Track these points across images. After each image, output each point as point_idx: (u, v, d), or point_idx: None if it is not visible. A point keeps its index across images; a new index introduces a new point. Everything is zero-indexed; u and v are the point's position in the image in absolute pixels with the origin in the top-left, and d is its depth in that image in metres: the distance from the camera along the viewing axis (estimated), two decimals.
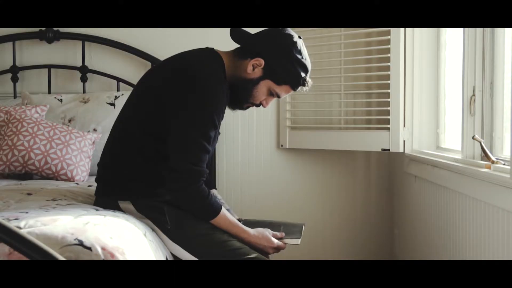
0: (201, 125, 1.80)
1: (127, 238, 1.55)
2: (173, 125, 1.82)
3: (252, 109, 3.35)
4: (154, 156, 1.88)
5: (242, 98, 1.95)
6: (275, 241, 1.93)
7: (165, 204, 1.87)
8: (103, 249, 1.39)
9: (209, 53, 1.93)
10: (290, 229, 2.03)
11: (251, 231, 1.92)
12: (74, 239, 1.39)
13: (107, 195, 1.92)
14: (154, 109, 1.87)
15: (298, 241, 1.98)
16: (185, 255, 1.87)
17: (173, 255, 1.89)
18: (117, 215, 1.78)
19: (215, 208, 1.87)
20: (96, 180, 2.01)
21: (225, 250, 1.85)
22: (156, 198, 1.88)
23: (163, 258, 1.82)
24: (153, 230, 1.87)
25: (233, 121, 3.39)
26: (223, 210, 1.89)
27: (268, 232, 1.95)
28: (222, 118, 1.87)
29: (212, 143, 1.85)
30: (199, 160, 1.80)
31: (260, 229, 1.95)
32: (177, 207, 1.87)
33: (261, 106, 1.99)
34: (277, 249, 1.95)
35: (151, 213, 1.86)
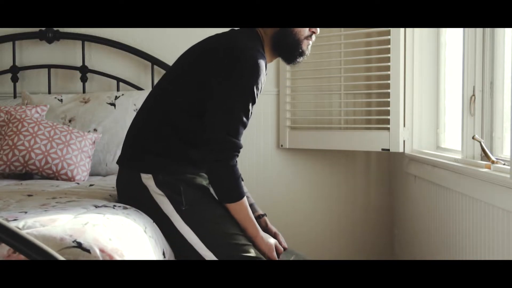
0: (241, 96, 1.83)
1: (126, 238, 1.55)
2: (215, 94, 1.84)
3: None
4: (185, 133, 1.90)
5: (297, 55, 2.07)
6: (275, 255, 1.94)
7: (183, 184, 1.87)
8: (101, 251, 1.39)
9: (248, 30, 1.98)
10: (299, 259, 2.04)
11: (261, 232, 1.93)
12: (73, 241, 1.39)
13: (131, 167, 1.93)
14: (193, 85, 1.88)
15: None
16: (192, 238, 1.87)
17: (175, 243, 1.89)
18: (117, 212, 1.78)
19: (241, 193, 1.87)
20: (122, 151, 2.02)
21: (230, 242, 1.85)
22: (177, 175, 1.88)
23: (161, 255, 1.82)
24: (164, 211, 1.87)
25: None
26: (245, 200, 1.89)
27: (275, 243, 1.96)
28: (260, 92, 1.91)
29: (249, 117, 1.87)
30: (237, 132, 1.83)
31: (269, 236, 1.96)
32: (195, 188, 1.88)
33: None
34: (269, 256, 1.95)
35: (168, 190, 1.86)
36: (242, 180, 1.90)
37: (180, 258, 2.09)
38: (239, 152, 1.86)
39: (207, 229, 1.86)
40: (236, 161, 1.86)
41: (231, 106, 1.82)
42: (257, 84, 1.84)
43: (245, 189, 2.14)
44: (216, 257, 1.85)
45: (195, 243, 1.86)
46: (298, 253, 2.09)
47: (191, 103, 1.88)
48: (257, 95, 1.86)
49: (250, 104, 1.85)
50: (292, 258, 2.00)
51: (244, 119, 1.84)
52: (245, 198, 1.89)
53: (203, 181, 1.95)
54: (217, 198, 1.91)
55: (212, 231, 1.86)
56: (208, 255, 1.86)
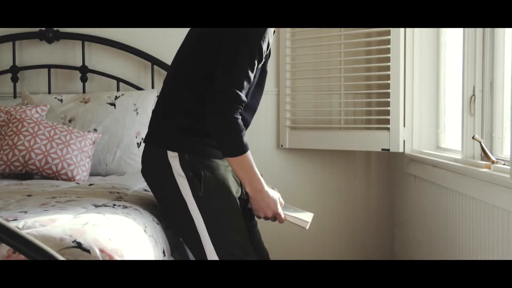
0: (248, 49, 1.81)
1: (126, 238, 1.55)
2: (223, 47, 1.83)
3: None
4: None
5: None
6: (280, 209, 1.94)
7: (207, 170, 1.87)
8: (101, 251, 1.39)
9: None
10: (300, 213, 2.04)
11: (266, 186, 1.92)
12: (73, 241, 1.39)
13: (159, 143, 1.92)
14: (209, 52, 1.88)
15: (306, 225, 1.98)
16: (200, 227, 1.87)
17: (182, 227, 1.91)
18: (117, 212, 1.78)
19: (245, 146, 1.84)
20: (148, 129, 2.01)
21: (235, 241, 1.86)
22: (202, 157, 1.88)
23: (161, 254, 1.82)
24: (182, 193, 1.86)
25: None
26: (249, 154, 1.86)
27: (278, 197, 1.96)
28: (268, 53, 1.90)
29: (255, 74, 1.85)
30: (241, 85, 1.80)
31: (273, 191, 1.95)
32: (217, 177, 1.88)
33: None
34: (275, 218, 1.96)
35: (191, 173, 1.86)
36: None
37: (179, 241, 2.10)
38: (242, 105, 1.82)
39: (218, 221, 1.86)
40: (240, 115, 1.82)
41: (237, 58, 1.80)
42: (264, 39, 1.82)
43: None
44: (216, 252, 1.85)
45: (201, 232, 1.86)
46: (295, 207, 2.10)
47: (208, 68, 1.87)
48: (264, 52, 1.84)
49: (257, 60, 1.83)
50: (291, 211, 2.01)
51: (249, 72, 1.81)
52: (248, 152, 1.86)
53: (228, 171, 1.94)
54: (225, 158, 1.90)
55: (221, 224, 1.86)
56: (208, 248, 1.86)
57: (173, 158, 1.87)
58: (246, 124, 1.97)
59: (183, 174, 1.86)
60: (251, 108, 1.98)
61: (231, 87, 1.79)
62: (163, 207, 1.99)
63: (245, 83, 1.81)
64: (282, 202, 2.02)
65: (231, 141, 1.82)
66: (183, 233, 1.96)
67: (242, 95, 1.81)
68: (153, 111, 2.01)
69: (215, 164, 1.90)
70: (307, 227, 1.98)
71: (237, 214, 1.90)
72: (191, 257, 2.26)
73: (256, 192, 1.89)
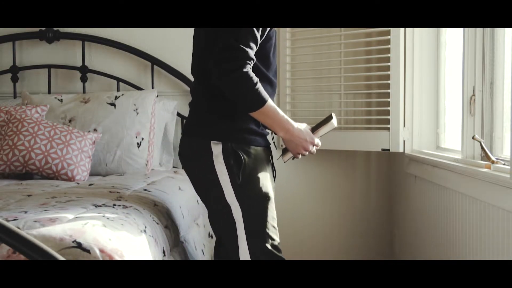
0: None
1: (126, 238, 1.55)
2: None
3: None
4: None
5: None
6: (316, 139, 1.95)
7: (247, 156, 1.86)
8: (101, 251, 1.39)
9: None
10: (325, 124, 2.04)
11: (295, 124, 1.91)
12: (73, 241, 1.39)
13: (201, 134, 1.89)
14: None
15: (335, 124, 2.00)
16: (237, 216, 1.85)
17: (218, 215, 1.91)
18: (117, 211, 1.78)
19: (264, 96, 1.79)
20: (188, 120, 1.98)
21: (266, 233, 1.85)
22: (244, 144, 1.87)
23: (161, 253, 1.82)
24: (220, 180, 1.85)
25: None
26: (270, 102, 1.82)
27: (308, 128, 1.96)
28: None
29: (262, 35, 1.80)
30: (247, 43, 1.73)
31: (301, 124, 1.95)
32: (259, 167, 1.87)
33: None
34: (310, 148, 1.95)
35: (232, 160, 1.84)
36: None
37: (180, 241, 2.09)
38: (250, 61, 1.75)
39: (254, 208, 1.86)
40: (250, 69, 1.75)
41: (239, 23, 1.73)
42: None
43: None
44: (248, 243, 1.84)
45: (238, 220, 1.86)
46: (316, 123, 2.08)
47: None
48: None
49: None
50: (318, 128, 2.01)
51: (256, 32, 1.75)
52: (269, 100, 1.81)
53: (267, 160, 1.94)
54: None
55: (257, 212, 1.86)
56: (242, 237, 1.85)
57: (216, 147, 1.85)
58: (274, 88, 1.96)
59: (223, 161, 1.85)
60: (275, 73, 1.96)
61: (236, 43, 1.72)
62: (201, 196, 1.99)
63: (251, 40, 1.74)
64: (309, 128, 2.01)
65: (248, 96, 1.77)
66: (218, 221, 1.94)
67: (251, 50, 1.75)
68: (192, 104, 1.98)
69: (256, 152, 1.89)
70: (336, 124, 2.02)
71: (273, 204, 1.90)
72: (192, 257, 2.26)
73: (289, 133, 1.88)
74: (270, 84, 1.92)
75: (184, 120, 3.37)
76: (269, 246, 1.85)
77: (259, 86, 1.77)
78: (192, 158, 1.94)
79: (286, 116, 1.88)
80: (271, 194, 1.91)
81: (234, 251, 1.87)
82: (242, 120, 1.87)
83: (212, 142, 1.86)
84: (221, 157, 1.85)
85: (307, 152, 1.95)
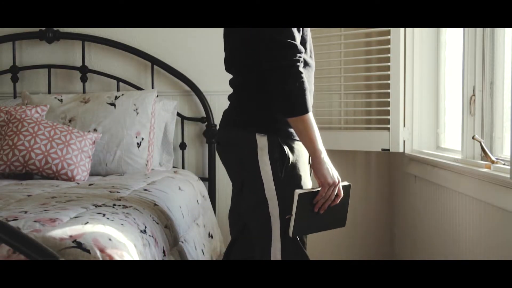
0: None
1: (126, 238, 1.55)
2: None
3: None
4: None
5: None
6: (336, 189, 1.78)
7: (292, 152, 1.77)
8: (101, 251, 1.39)
9: None
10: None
11: (327, 160, 1.77)
12: (73, 241, 1.39)
13: (244, 126, 1.81)
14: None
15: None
16: (274, 212, 1.77)
17: (255, 207, 1.81)
18: (117, 211, 1.78)
19: (309, 103, 1.69)
20: (227, 115, 1.91)
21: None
22: (290, 139, 1.78)
23: (161, 253, 1.82)
24: (261, 174, 1.76)
25: None
26: (311, 116, 1.71)
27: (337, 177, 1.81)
28: None
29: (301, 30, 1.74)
30: (292, 34, 1.66)
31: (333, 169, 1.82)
32: (300, 160, 1.78)
33: None
34: (336, 184, 1.78)
35: (277, 155, 1.76)
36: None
37: (180, 241, 2.07)
38: (301, 56, 1.67)
39: (287, 199, 1.75)
40: (301, 69, 1.67)
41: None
42: None
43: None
44: (282, 243, 1.76)
45: (274, 216, 1.77)
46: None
47: None
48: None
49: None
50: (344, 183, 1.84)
51: (296, 30, 1.68)
52: (310, 114, 1.71)
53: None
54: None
55: (288, 206, 1.75)
56: (276, 235, 1.76)
57: (261, 139, 1.77)
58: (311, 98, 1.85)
59: (267, 155, 1.76)
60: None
61: (284, 38, 1.65)
62: (235, 187, 1.92)
63: (296, 33, 1.67)
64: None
65: (299, 96, 1.67)
66: (250, 215, 1.85)
67: (298, 43, 1.67)
68: (233, 97, 1.91)
69: (299, 148, 1.80)
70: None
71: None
72: (192, 256, 2.26)
73: (320, 155, 1.74)
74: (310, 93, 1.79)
75: (184, 120, 3.37)
76: (302, 247, 1.78)
77: (307, 92, 1.69)
78: (233, 150, 1.85)
79: (321, 145, 1.76)
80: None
81: (264, 249, 1.78)
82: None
83: (257, 134, 1.77)
84: (266, 150, 1.76)
85: (331, 191, 1.76)
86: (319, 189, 1.75)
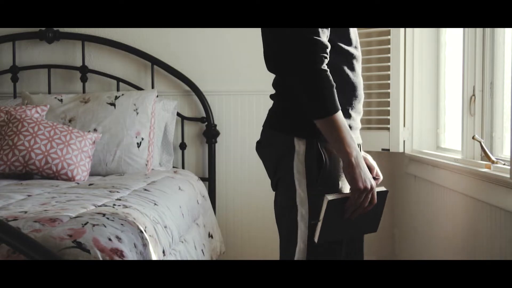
0: None
1: (126, 238, 1.55)
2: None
3: (253, 108, 3.35)
4: None
5: None
6: (373, 181, 1.60)
7: (329, 157, 1.63)
8: (101, 251, 1.39)
9: None
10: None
11: (362, 162, 1.59)
12: (73, 241, 1.39)
13: (284, 129, 1.69)
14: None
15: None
16: (302, 217, 1.65)
17: (283, 213, 1.73)
18: (116, 211, 1.78)
19: (336, 103, 1.54)
20: (271, 111, 1.79)
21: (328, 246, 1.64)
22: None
23: (161, 253, 1.82)
24: (295, 180, 1.65)
25: (233, 120, 3.39)
26: (340, 115, 1.56)
27: (372, 185, 1.61)
28: None
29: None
30: (315, 30, 1.53)
31: (370, 162, 1.70)
32: (336, 166, 1.63)
33: None
34: (368, 190, 1.58)
35: (313, 160, 1.63)
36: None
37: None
38: (326, 52, 1.54)
39: (314, 207, 1.62)
40: (326, 66, 1.54)
41: None
42: None
43: None
44: (308, 250, 1.63)
45: (301, 228, 1.64)
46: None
47: None
48: None
49: None
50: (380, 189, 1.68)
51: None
52: (339, 113, 1.55)
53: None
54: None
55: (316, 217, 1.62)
56: (300, 245, 1.64)
57: (300, 143, 1.65)
58: (351, 99, 1.68)
59: (303, 160, 1.64)
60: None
61: (307, 34, 1.52)
62: (272, 185, 1.81)
63: (319, 29, 1.54)
64: (380, 175, 1.72)
65: (327, 95, 1.54)
66: (282, 220, 1.74)
67: (322, 39, 1.54)
68: (276, 96, 1.78)
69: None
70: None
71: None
72: (192, 256, 2.26)
73: (353, 158, 1.57)
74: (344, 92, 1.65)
75: (184, 120, 3.37)
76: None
77: (333, 90, 1.55)
78: (272, 151, 1.75)
79: (353, 139, 1.59)
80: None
81: (288, 256, 1.66)
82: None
83: (296, 138, 1.65)
84: (303, 155, 1.64)
85: (363, 197, 1.58)
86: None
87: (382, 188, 1.68)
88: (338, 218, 1.60)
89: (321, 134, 1.60)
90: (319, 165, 1.63)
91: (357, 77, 1.70)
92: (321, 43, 1.53)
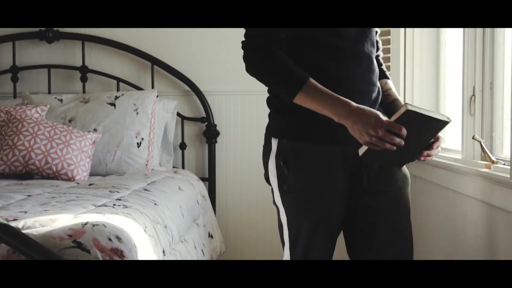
0: None
1: (125, 238, 1.55)
2: None
3: (253, 108, 3.35)
4: None
5: None
6: (385, 119, 1.47)
7: (298, 160, 1.60)
8: (101, 251, 1.39)
9: None
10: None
11: (353, 103, 1.50)
12: (73, 241, 1.39)
13: (267, 130, 1.69)
14: None
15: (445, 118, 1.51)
16: (283, 218, 1.66)
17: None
18: (116, 211, 1.78)
19: (299, 76, 1.51)
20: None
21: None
22: (299, 139, 1.59)
23: (161, 253, 1.82)
24: (271, 182, 1.66)
25: (233, 120, 3.39)
26: (312, 80, 1.51)
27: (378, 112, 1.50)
28: None
29: None
30: (254, 29, 1.58)
31: (366, 109, 1.51)
32: (305, 169, 1.59)
33: None
34: (377, 137, 1.45)
35: (282, 161, 1.62)
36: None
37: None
38: (279, 41, 1.54)
39: (296, 222, 1.63)
40: (279, 47, 1.53)
41: None
42: None
43: None
44: (290, 250, 1.65)
45: (284, 224, 1.65)
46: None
47: None
48: None
49: None
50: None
51: None
52: (308, 81, 1.51)
53: (327, 159, 1.60)
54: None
55: (299, 227, 1.63)
56: (287, 245, 1.65)
57: (274, 143, 1.63)
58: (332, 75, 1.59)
59: (274, 161, 1.62)
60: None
61: (256, 30, 1.56)
62: None
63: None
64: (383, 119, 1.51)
65: (280, 76, 1.53)
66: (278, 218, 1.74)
67: (275, 29, 1.54)
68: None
69: (311, 153, 1.58)
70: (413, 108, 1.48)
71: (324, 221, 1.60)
72: (192, 256, 2.26)
73: (343, 118, 1.49)
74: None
75: (184, 120, 3.37)
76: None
77: (290, 67, 1.53)
78: (263, 151, 1.72)
79: (338, 96, 1.51)
80: (322, 208, 1.59)
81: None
82: (301, 111, 1.57)
83: (272, 138, 1.64)
84: (274, 155, 1.62)
85: (378, 138, 1.45)
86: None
87: (440, 116, 1.52)
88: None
89: (287, 130, 1.60)
90: (288, 166, 1.60)
91: (345, 70, 1.61)
92: (274, 35, 1.54)
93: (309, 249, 1.63)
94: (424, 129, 1.53)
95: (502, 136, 2.19)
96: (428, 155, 1.58)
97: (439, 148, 1.63)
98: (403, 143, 1.46)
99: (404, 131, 1.45)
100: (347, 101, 1.50)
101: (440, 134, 1.61)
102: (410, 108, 1.46)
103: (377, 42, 1.79)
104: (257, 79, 1.61)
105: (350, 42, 1.63)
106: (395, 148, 1.46)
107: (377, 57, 1.80)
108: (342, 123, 1.50)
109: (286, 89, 1.54)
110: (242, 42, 1.61)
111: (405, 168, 1.73)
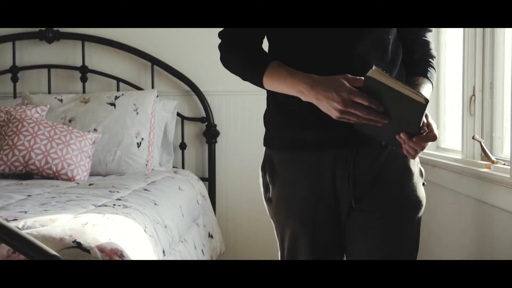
0: None
1: (126, 238, 1.55)
2: None
3: (253, 108, 3.35)
4: None
5: None
6: (348, 86, 1.34)
7: (280, 165, 1.56)
8: (101, 251, 1.39)
9: None
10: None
11: (315, 76, 1.40)
12: (73, 241, 1.39)
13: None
14: None
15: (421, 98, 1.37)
16: (274, 228, 1.65)
17: None
18: (117, 211, 1.78)
19: (262, 60, 1.51)
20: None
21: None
22: (278, 148, 1.57)
23: (161, 254, 1.82)
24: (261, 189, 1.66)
25: (233, 120, 3.39)
26: (276, 62, 1.48)
27: (344, 78, 1.36)
28: None
29: None
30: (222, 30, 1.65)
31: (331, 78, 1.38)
32: (285, 180, 1.56)
33: None
34: (344, 111, 1.34)
35: (265, 171, 1.61)
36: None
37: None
38: (227, 41, 1.61)
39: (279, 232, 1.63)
40: (229, 49, 1.59)
41: None
42: None
43: None
44: (280, 254, 1.63)
45: (277, 238, 1.64)
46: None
47: None
48: None
49: None
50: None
51: None
52: (268, 69, 1.48)
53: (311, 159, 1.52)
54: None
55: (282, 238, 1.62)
56: (280, 251, 1.65)
57: (264, 151, 1.65)
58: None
59: (260, 171, 1.64)
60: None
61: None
62: None
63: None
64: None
65: (239, 65, 1.57)
66: None
67: (225, 29, 1.63)
68: None
69: (295, 159, 1.53)
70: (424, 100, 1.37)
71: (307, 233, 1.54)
72: (192, 256, 2.26)
73: (305, 94, 1.40)
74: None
75: (184, 120, 3.37)
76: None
77: (246, 59, 1.55)
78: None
79: (298, 72, 1.43)
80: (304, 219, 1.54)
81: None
82: (276, 120, 1.56)
83: (265, 146, 1.64)
84: (260, 165, 1.63)
85: (344, 112, 1.34)
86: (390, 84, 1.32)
87: (417, 97, 1.39)
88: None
89: (268, 139, 1.60)
90: (271, 176, 1.59)
91: (324, 73, 1.43)
92: (222, 33, 1.61)
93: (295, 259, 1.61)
94: (400, 106, 1.39)
95: (502, 136, 2.19)
96: (417, 142, 1.48)
97: (433, 134, 1.51)
98: (373, 117, 1.34)
99: (366, 102, 1.33)
100: (307, 76, 1.40)
101: (433, 125, 1.51)
102: (370, 74, 1.30)
103: (411, 41, 1.65)
104: (226, 64, 1.62)
105: (336, 44, 1.52)
106: (371, 122, 1.36)
107: (410, 59, 1.65)
108: (308, 100, 1.41)
109: (254, 77, 1.52)
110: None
111: (405, 159, 1.66)
